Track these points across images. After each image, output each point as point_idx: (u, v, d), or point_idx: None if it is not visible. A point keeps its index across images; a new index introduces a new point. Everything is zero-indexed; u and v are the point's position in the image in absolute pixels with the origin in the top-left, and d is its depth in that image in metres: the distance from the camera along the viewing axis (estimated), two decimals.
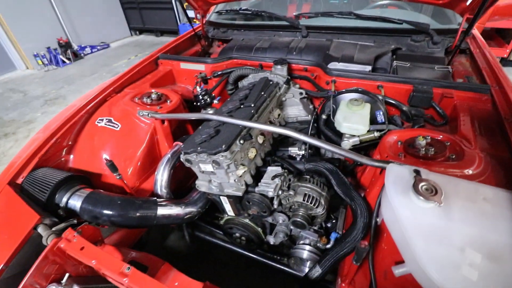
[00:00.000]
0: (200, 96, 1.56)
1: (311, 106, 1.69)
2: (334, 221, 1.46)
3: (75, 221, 1.06)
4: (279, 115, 1.59)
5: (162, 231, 2.02)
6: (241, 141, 1.13)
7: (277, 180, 1.19)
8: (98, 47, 7.53)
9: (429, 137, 1.06)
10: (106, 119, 1.49)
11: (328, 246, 1.30)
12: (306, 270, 1.38)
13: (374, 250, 1.00)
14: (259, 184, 1.22)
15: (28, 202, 1.07)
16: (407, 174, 0.89)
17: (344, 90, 1.43)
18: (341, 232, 1.33)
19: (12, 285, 0.90)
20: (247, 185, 1.23)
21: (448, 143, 1.05)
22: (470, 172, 0.92)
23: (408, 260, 0.80)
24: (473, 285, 0.64)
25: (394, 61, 1.59)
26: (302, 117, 1.65)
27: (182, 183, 1.69)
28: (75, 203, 1.15)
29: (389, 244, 0.94)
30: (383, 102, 1.34)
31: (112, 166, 1.16)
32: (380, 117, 1.30)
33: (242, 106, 1.36)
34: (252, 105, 1.33)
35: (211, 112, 1.66)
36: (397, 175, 0.91)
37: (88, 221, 1.15)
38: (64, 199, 1.15)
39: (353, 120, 1.20)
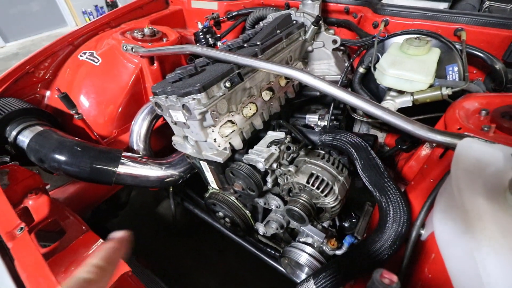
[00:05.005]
0: (201, 34, 1.21)
1: (347, 64, 1.24)
2: (354, 220, 1.07)
3: (7, 159, 0.86)
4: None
5: (156, 194, 1.82)
6: (227, 84, 0.78)
7: (273, 148, 0.83)
8: None
9: None
10: (89, 52, 1.24)
11: (338, 252, 0.93)
12: (302, 276, 1.03)
13: (407, 281, 0.60)
14: (249, 151, 0.87)
15: None
16: (498, 161, 0.48)
17: (399, 31, 0.95)
18: (360, 237, 0.94)
19: None
20: (234, 150, 0.89)
21: None
22: None
23: None
24: None
25: (487, 1, 1.04)
26: (332, 75, 1.22)
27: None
28: (25, 139, 0.94)
29: (437, 274, 0.56)
30: (463, 54, 0.85)
31: (66, 100, 0.91)
32: (454, 74, 0.82)
33: (245, 45, 0.99)
34: (258, 43, 0.95)
35: None
36: (478, 160, 0.49)
37: (37, 165, 0.94)
38: (14, 133, 0.95)
39: (407, 66, 0.73)
